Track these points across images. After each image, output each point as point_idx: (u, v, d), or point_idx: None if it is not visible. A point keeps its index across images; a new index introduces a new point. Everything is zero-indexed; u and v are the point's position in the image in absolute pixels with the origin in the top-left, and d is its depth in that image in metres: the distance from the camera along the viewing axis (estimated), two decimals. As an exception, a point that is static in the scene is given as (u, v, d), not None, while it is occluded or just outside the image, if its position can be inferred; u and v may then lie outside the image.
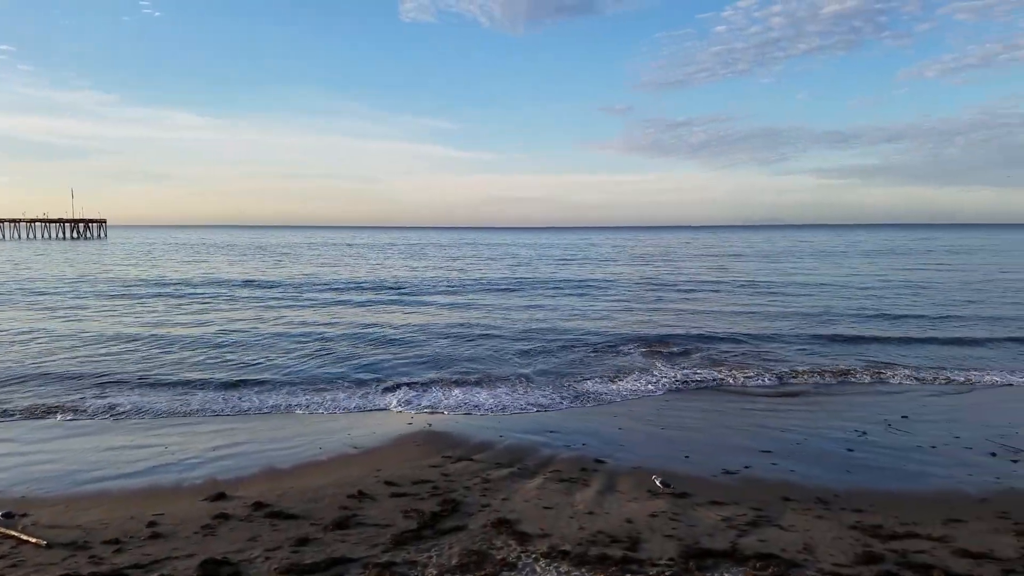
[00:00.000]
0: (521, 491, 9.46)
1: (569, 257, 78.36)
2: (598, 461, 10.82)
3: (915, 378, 17.01)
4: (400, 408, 14.18)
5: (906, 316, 27.72)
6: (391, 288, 40.15)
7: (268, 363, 18.38)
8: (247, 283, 42.37)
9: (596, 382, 16.15)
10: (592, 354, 19.62)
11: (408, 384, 16.00)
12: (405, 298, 34.93)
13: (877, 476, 10.31)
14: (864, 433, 12.46)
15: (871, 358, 19.42)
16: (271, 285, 41.34)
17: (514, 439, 12.04)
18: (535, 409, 14.03)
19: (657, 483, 9.65)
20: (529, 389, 15.46)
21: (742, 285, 41.22)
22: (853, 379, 16.92)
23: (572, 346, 20.82)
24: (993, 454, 11.20)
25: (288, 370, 17.52)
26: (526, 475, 10.17)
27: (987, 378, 17.04)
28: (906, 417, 13.51)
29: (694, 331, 23.30)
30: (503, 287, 41.27)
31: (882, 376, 17.17)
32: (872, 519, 8.52)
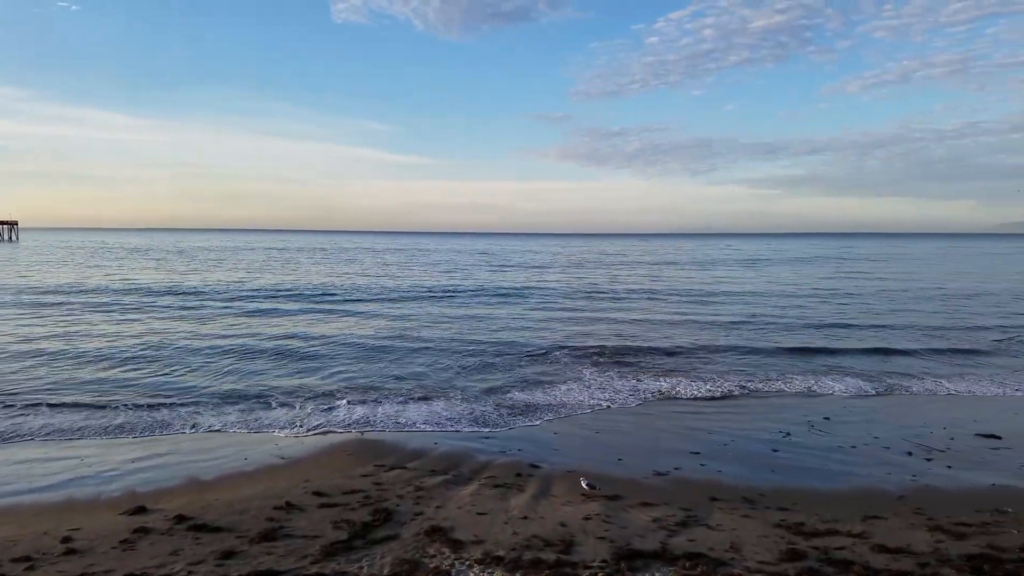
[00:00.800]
0: (455, 498, 9.38)
1: (506, 264, 77.52)
2: (533, 466, 10.83)
3: (838, 383, 17.60)
4: (327, 422, 13.80)
5: (832, 324, 28.74)
6: (320, 296, 38.16)
7: (187, 376, 17.63)
8: (168, 291, 39.53)
9: (531, 391, 16.11)
10: (527, 363, 19.43)
11: (337, 396, 15.49)
12: (335, 307, 33.32)
13: (801, 475, 10.62)
14: (788, 434, 12.83)
15: (798, 363, 20.04)
16: (193, 292, 39.28)
17: (448, 446, 11.95)
18: (469, 418, 13.93)
19: (584, 485, 9.72)
20: (464, 399, 15.32)
21: (675, 293, 41.94)
22: (778, 383, 17.40)
23: (507, 355, 20.67)
24: (909, 453, 11.68)
25: (209, 384, 16.83)
26: (461, 482, 10.10)
27: (905, 383, 17.77)
28: (828, 419, 13.98)
29: (628, 340, 23.58)
30: (437, 294, 39.98)
31: (806, 381, 17.72)
32: (796, 517, 8.76)
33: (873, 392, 16.45)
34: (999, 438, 12.46)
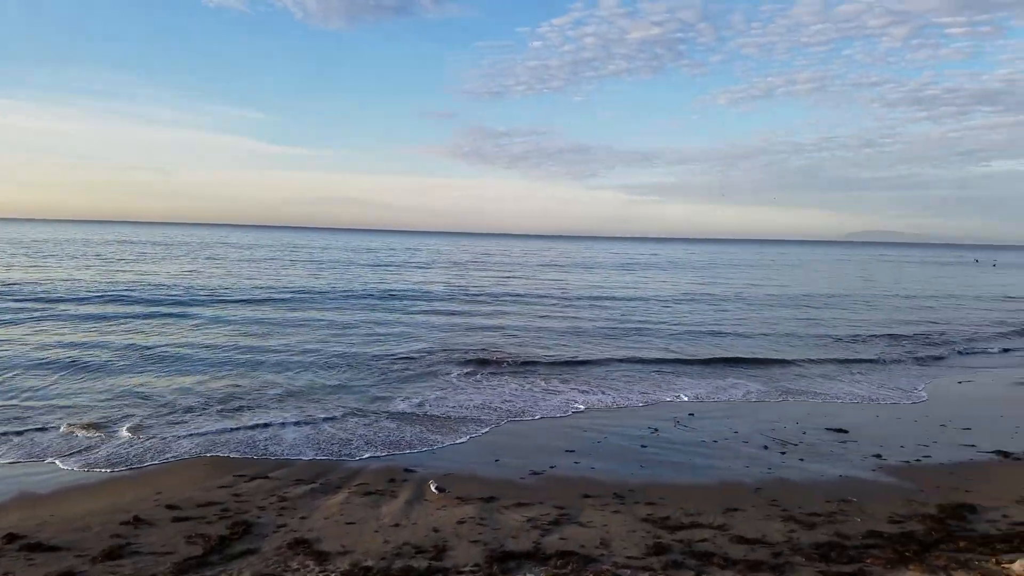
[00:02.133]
0: (323, 508, 9.02)
1: (385, 262, 74.48)
2: (408, 471, 10.61)
3: (703, 380, 18.39)
4: (173, 436, 12.98)
5: (700, 326, 30.10)
6: (170, 298, 33.18)
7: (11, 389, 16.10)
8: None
9: (408, 397, 15.69)
10: (402, 370, 18.64)
11: (194, 410, 14.02)
12: (188, 310, 29.15)
13: (667, 469, 10.97)
14: (656, 430, 13.25)
15: (669, 360, 20.83)
16: (19, 295, 32.46)
17: (316, 454, 11.50)
18: (338, 426, 13.48)
19: (433, 488, 9.55)
20: (334, 408, 14.73)
21: (554, 295, 42.60)
22: (650, 381, 17.99)
23: (380, 362, 19.97)
24: (766, 447, 12.32)
25: (40, 393, 15.39)
26: (329, 490, 9.73)
27: (753, 385, 18.81)
28: (692, 415, 14.56)
29: (509, 343, 23.67)
30: (306, 296, 36.41)
31: (673, 376, 18.42)
32: (662, 511, 9.02)
33: (730, 385, 17.30)
34: (846, 432, 13.36)
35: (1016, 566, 7.02)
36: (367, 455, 11.43)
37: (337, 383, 16.78)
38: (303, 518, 8.62)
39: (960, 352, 24.03)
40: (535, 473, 10.59)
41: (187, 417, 13.42)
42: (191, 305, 31.04)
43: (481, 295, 40.53)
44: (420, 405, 14.85)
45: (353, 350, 21.18)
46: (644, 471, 10.86)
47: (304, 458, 11.24)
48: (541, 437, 12.69)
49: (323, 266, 64.01)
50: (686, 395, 16.33)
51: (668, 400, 15.91)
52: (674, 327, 28.22)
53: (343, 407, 14.51)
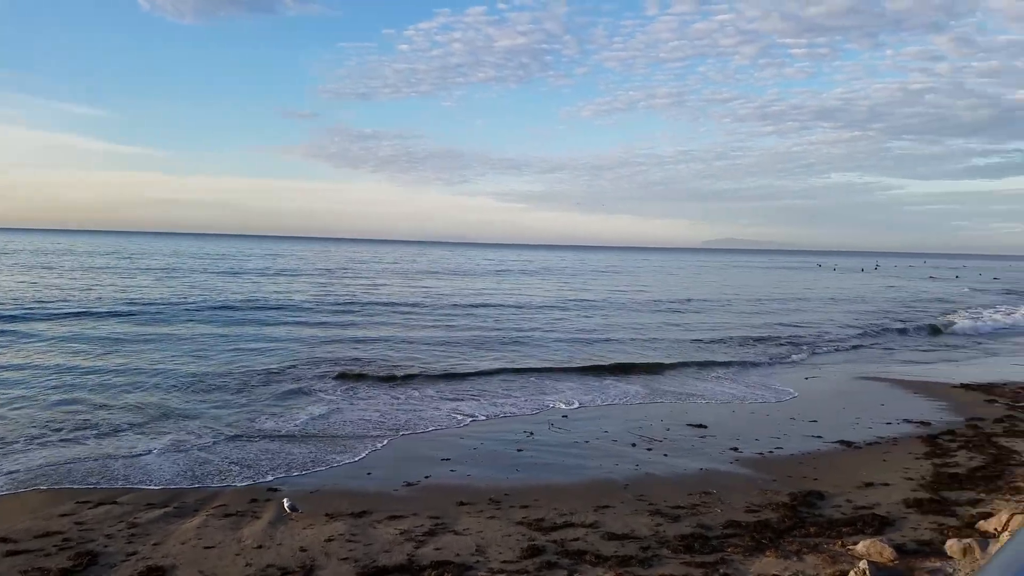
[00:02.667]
0: (178, 533, 8.45)
1: (244, 269, 68.34)
2: (271, 490, 10.13)
3: (577, 385, 18.81)
4: (18, 470, 11.83)
5: (575, 332, 30.81)
6: (2, 314, 28.91)
7: None
8: None
9: (275, 415, 14.71)
10: (269, 386, 17.42)
11: (33, 438, 12.77)
12: (22, 327, 25.79)
13: (542, 471, 11.11)
14: (531, 433, 13.41)
15: (546, 368, 21.15)
16: None
17: (170, 476, 10.75)
18: (196, 447, 12.67)
19: (286, 506, 9.17)
20: (192, 429, 13.87)
21: (427, 303, 42.17)
22: (519, 384, 18.19)
23: (246, 375, 19.06)
24: (633, 444, 12.75)
25: None
26: (185, 514, 9.11)
27: (625, 387, 19.48)
28: (566, 417, 14.87)
29: (383, 355, 23.20)
30: (156, 309, 32.53)
31: (548, 382, 18.72)
32: (537, 513, 9.11)
33: (599, 387, 17.82)
34: (706, 427, 14.05)
35: (859, 547, 7.59)
36: (228, 476, 10.82)
37: (195, 402, 15.59)
38: (156, 544, 8.04)
39: (807, 350, 25.89)
40: (409, 484, 10.43)
41: (24, 445, 12.08)
42: (26, 321, 27.60)
43: (351, 304, 38.67)
44: (287, 423, 14.06)
45: (211, 367, 19.51)
46: (519, 474, 10.94)
47: (157, 483, 10.43)
48: (416, 447, 12.51)
49: (176, 274, 58.35)
50: (563, 400, 16.62)
51: (547, 406, 16.10)
52: (550, 334, 28.61)
53: (201, 428, 13.55)
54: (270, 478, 10.68)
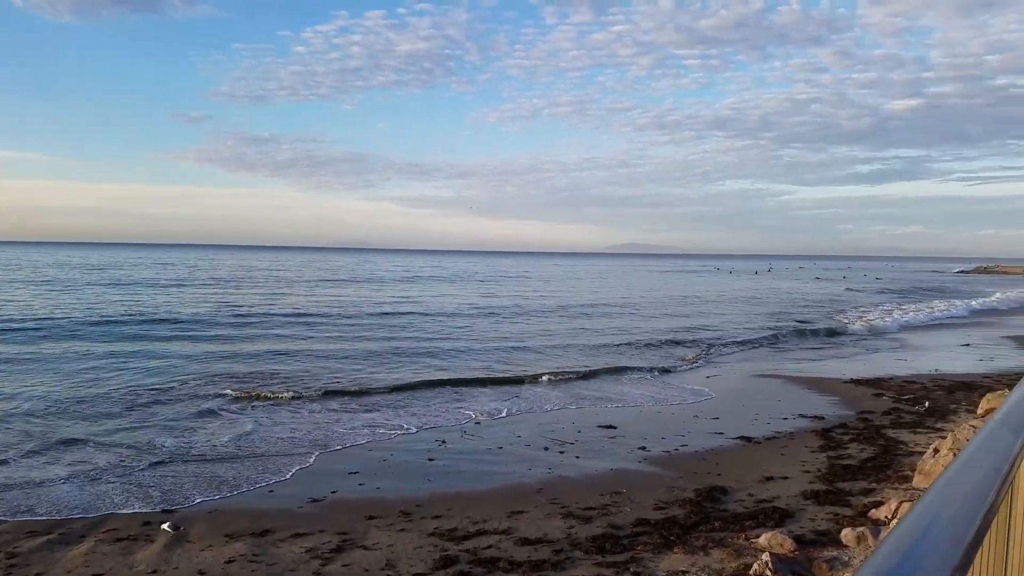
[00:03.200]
0: (63, 561, 7.91)
1: (132, 280, 63.52)
2: (167, 511, 9.61)
3: (491, 392, 18.76)
4: None
5: (489, 341, 30.79)
6: None
7: None
8: None
9: (169, 436, 13.89)
10: (162, 405, 16.36)
11: None
12: None
13: (454, 480, 11.01)
14: (443, 442, 13.28)
15: (447, 374, 21.01)
16: None
17: (53, 503, 10.01)
18: (83, 473, 11.85)
19: (166, 527, 8.78)
20: (77, 454, 12.98)
21: (334, 312, 41.14)
22: (431, 395, 17.98)
23: (137, 395, 18.05)
24: (546, 448, 12.82)
25: None
26: (71, 541, 8.53)
27: (537, 391, 19.63)
28: (479, 424, 14.81)
29: (287, 368, 22.48)
30: (34, 325, 29.67)
31: (461, 390, 18.59)
32: (449, 523, 9.01)
33: (506, 394, 17.86)
34: (615, 428, 14.29)
35: (761, 540, 7.86)
36: (120, 501, 10.17)
37: (82, 426, 14.51)
38: (39, 574, 7.48)
39: (708, 351, 26.80)
40: (314, 500, 10.10)
41: None
42: None
43: (250, 316, 36.10)
44: (182, 444, 13.20)
45: (98, 388, 18.06)
46: (431, 484, 10.80)
47: (40, 512, 9.67)
48: (320, 462, 12.13)
49: (59, 287, 53.42)
50: (476, 408, 16.51)
51: (461, 414, 15.91)
52: (460, 342, 28.38)
53: (90, 452, 12.63)
54: (166, 500, 10.12)
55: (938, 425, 13.85)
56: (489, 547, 8.15)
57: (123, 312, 36.02)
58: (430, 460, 12.14)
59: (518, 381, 20.09)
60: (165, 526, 8.74)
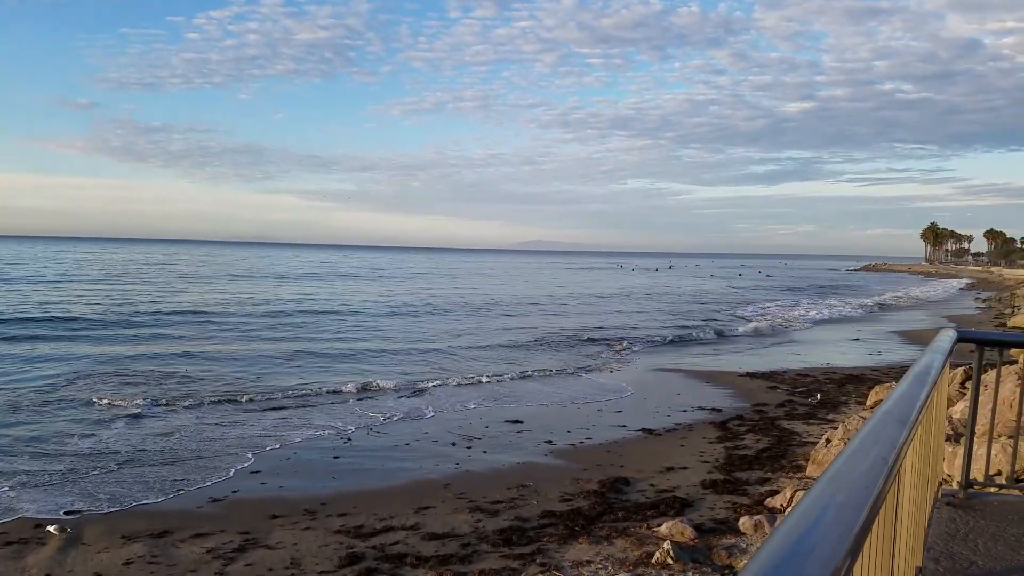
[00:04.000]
0: (-59, 570, 7.39)
1: (12, 276, 58.22)
2: (70, 513, 9.12)
3: (391, 388, 18.58)
4: None
5: (402, 340, 30.45)
6: None
7: None
8: None
9: (62, 437, 13.22)
10: (47, 409, 15.66)
11: None
12: None
13: (361, 477, 10.88)
14: (349, 440, 13.09)
15: (356, 373, 20.72)
16: None
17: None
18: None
19: (53, 529, 8.42)
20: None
21: (234, 311, 39.82)
22: (341, 392, 17.65)
23: (17, 399, 17.07)
24: (454, 444, 12.84)
25: None
26: (-47, 547, 7.99)
27: (445, 390, 19.61)
28: (384, 421, 14.66)
29: (164, 368, 21.55)
30: None
31: (367, 388, 18.31)
32: (355, 520, 8.90)
33: (411, 392, 17.80)
34: (522, 422, 14.46)
35: (663, 529, 8.16)
36: (10, 506, 9.56)
37: None
38: (-87, 588, 6.97)
39: (610, 346, 27.44)
40: (215, 500, 9.78)
41: None
42: None
43: (140, 313, 33.89)
44: (70, 447, 12.58)
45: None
46: (336, 482, 10.64)
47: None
48: (221, 461, 11.74)
49: None
50: (384, 407, 16.31)
51: (366, 414, 15.64)
52: (364, 343, 27.68)
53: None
54: (52, 503, 9.56)
55: (830, 416, 14.68)
56: (396, 543, 8.12)
57: (3, 311, 33.10)
58: (335, 458, 11.94)
59: (425, 380, 19.95)
60: (52, 528, 8.29)
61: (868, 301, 53.29)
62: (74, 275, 63.78)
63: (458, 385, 18.96)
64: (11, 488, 10.13)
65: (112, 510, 9.28)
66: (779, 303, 52.07)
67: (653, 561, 7.22)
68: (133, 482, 10.53)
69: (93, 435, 13.10)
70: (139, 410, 15.25)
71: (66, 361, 21.23)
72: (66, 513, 9.11)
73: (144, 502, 9.66)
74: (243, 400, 16.41)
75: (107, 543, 8.13)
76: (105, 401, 15.92)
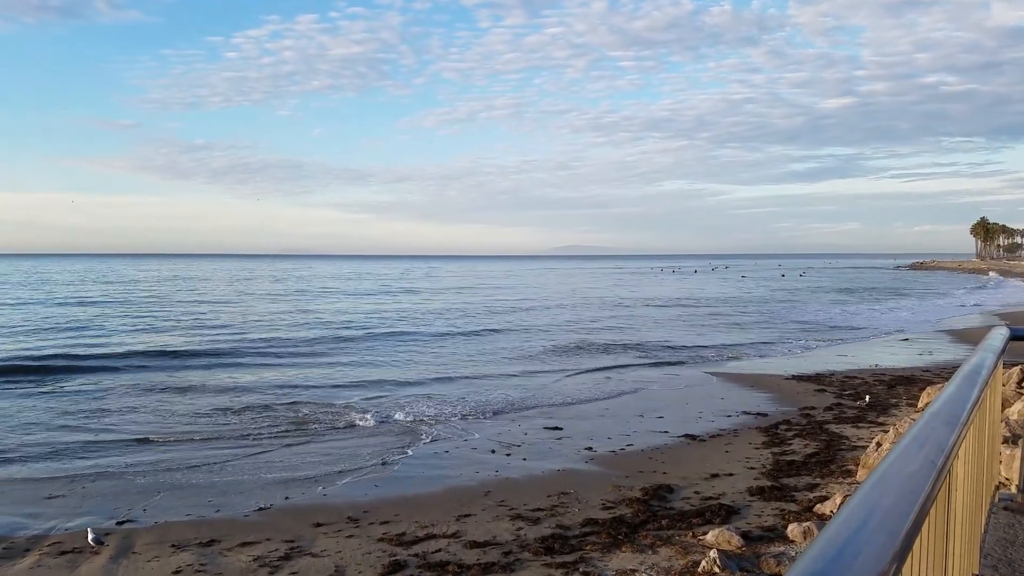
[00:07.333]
0: (5, 576, 7.64)
1: (54, 297, 57.92)
2: (118, 523, 9.33)
3: (434, 395, 18.65)
4: None
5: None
6: None
7: None
8: None
9: (114, 448, 13.65)
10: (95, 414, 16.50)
11: None
12: None
13: (401, 485, 10.92)
14: (390, 448, 13.16)
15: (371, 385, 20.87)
16: None
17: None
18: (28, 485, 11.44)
19: (90, 540, 8.53)
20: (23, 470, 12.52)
21: (323, 335, 40.30)
22: (391, 419, 17.80)
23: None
24: (493, 451, 12.81)
25: None
26: (15, 556, 8.31)
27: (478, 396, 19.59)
28: (426, 427, 14.71)
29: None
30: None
31: (400, 392, 18.41)
32: (397, 528, 8.94)
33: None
34: (561, 429, 14.37)
35: (709, 537, 8.01)
36: (63, 515, 9.81)
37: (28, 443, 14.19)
38: (-23, 594, 7.20)
39: (655, 352, 27.18)
40: (261, 509, 9.91)
41: None
42: None
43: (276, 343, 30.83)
44: (118, 453, 13.06)
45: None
46: (379, 490, 10.69)
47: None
48: (264, 471, 11.90)
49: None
50: (420, 413, 16.39)
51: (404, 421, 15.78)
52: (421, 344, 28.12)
53: (32, 468, 12.36)
54: (108, 512, 9.80)
55: (880, 419, 14.30)
56: (438, 551, 8.12)
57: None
58: (382, 463, 12.04)
59: (452, 381, 20.02)
60: (89, 537, 8.46)
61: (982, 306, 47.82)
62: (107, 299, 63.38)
63: (490, 391, 18.90)
64: (64, 498, 10.43)
65: (162, 520, 9.46)
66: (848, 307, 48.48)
67: (699, 570, 7.09)
68: (183, 494, 10.74)
69: (153, 450, 13.42)
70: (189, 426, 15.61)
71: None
72: (117, 523, 9.32)
73: (193, 511, 9.82)
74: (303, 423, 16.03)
75: (157, 552, 8.30)
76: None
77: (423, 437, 13.95)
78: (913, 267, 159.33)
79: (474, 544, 8.28)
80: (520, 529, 8.76)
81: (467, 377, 21.17)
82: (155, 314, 42.29)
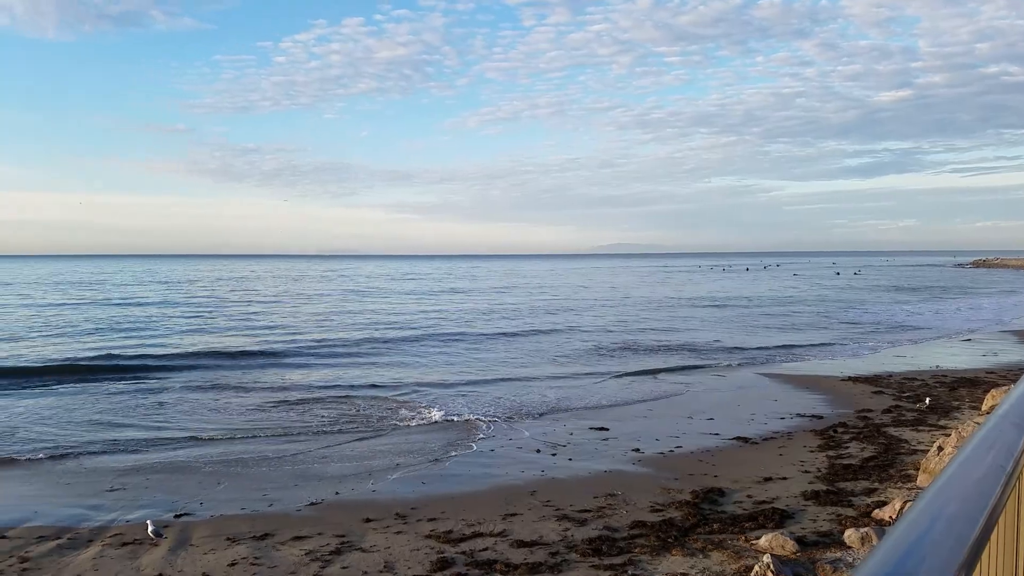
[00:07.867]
0: (72, 565, 7.98)
1: (122, 298, 59.65)
2: (179, 516, 9.62)
3: (474, 395, 18.72)
4: None
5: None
6: None
7: None
8: None
9: (172, 443, 14.19)
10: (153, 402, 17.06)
11: None
12: None
13: (448, 483, 11.00)
14: (436, 446, 13.26)
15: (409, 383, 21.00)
16: None
17: (58, 508, 10.02)
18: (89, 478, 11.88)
19: (150, 532, 8.76)
20: (85, 463, 13.05)
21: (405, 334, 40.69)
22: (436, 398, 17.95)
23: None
24: (538, 451, 12.79)
25: None
26: (79, 546, 8.58)
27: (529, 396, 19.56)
28: (472, 426, 14.78)
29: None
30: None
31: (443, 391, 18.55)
32: (444, 525, 8.99)
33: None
34: (607, 429, 14.27)
35: (762, 541, 7.86)
36: (121, 505, 10.16)
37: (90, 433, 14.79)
38: (47, 580, 7.49)
39: (707, 352, 26.80)
40: (312, 504, 10.08)
41: None
42: None
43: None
44: (173, 448, 13.49)
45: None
46: (426, 487, 10.78)
47: (46, 517, 9.70)
48: (314, 466, 12.11)
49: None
50: (467, 412, 16.49)
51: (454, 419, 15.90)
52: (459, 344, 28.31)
53: (94, 461, 12.82)
54: (167, 505, 10.10)
55: (941, 422, 13.83)
56: (485, 549, 8.14)
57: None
58: (434, 461, 12.14)
59: (492, 383, 20.07)
60: (149, 529, 8.73)
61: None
62: (164, 299, 65.19)
63: (538, 391, 18.90)
64: (124, 490, 10.79)
65: (218, 513, 9.70)
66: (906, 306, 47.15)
67: (752, 575, 6.96)
68: (238, 488, 11.00)
69: (208, 445, 13.79)
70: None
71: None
72: (176, 516, 9.59)
73: (248, 505, 10.05)
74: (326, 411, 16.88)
75: (213, 545, 8.51)
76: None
77: (468, 436, 14.02)
78: (975, 264, 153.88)
79: (521, 543, 8.28)
80: (567, 530, 8.73)
81: (511, 379, 21.18)
82: (211, 313, 43.76)
